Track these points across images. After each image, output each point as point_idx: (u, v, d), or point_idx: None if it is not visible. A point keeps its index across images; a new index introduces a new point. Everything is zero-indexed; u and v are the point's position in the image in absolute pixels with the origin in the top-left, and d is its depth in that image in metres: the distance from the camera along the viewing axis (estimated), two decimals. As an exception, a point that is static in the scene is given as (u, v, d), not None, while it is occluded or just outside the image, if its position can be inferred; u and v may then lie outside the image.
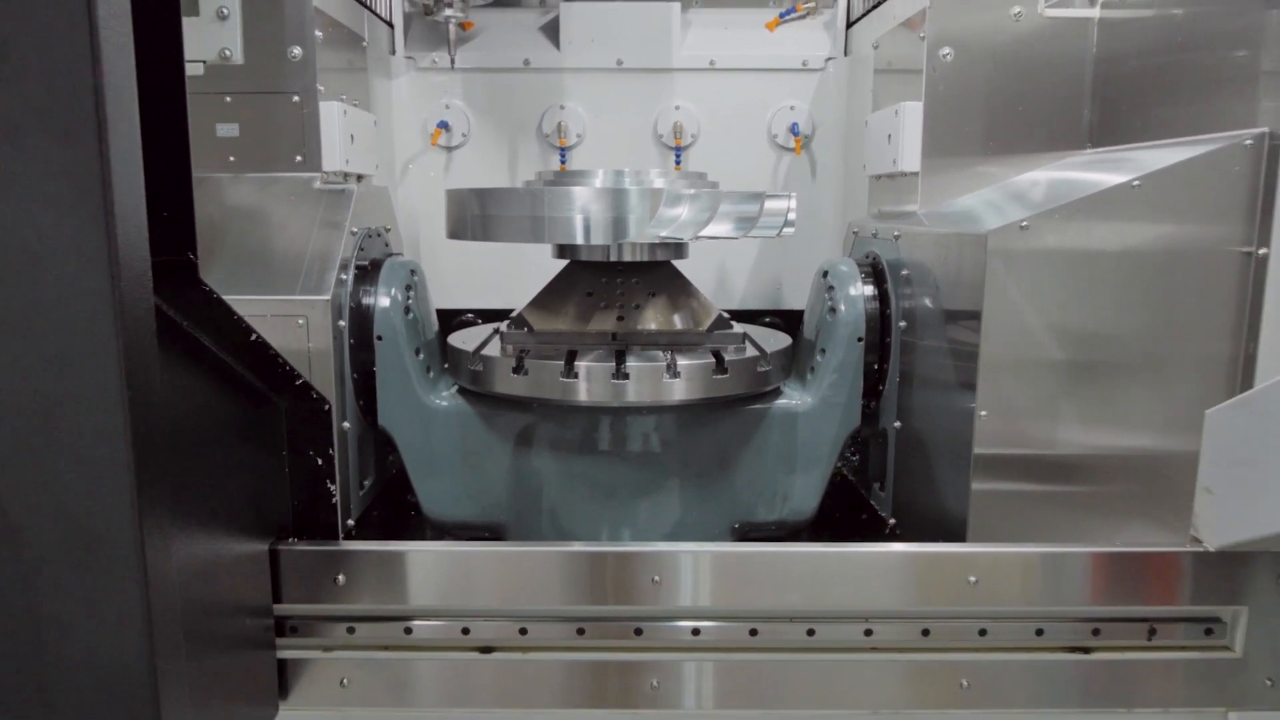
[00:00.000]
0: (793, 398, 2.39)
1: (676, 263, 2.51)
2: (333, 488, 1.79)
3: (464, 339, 2.49)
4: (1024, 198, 2.16)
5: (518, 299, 2.53)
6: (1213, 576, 1.80)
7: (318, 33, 2.38)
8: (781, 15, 3.33)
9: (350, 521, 2.34)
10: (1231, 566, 1.79)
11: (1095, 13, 2.31)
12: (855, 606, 1.83)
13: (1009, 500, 2.02)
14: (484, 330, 2.63)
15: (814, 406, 2.37)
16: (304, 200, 2.33)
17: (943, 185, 2.37)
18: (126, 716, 1.14)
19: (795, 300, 3.35)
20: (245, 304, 1.62)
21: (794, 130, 3.32)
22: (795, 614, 1.84)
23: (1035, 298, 1.94)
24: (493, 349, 2.32)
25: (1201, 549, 1.79)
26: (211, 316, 1.45)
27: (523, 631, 1.85)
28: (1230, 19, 1.92)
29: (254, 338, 1.56)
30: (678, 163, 3.35)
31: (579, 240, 2.12)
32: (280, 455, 1.75)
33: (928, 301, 2.23)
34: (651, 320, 2.38)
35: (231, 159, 2.39)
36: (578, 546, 1.86)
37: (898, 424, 2.42)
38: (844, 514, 2.66)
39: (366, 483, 2.49)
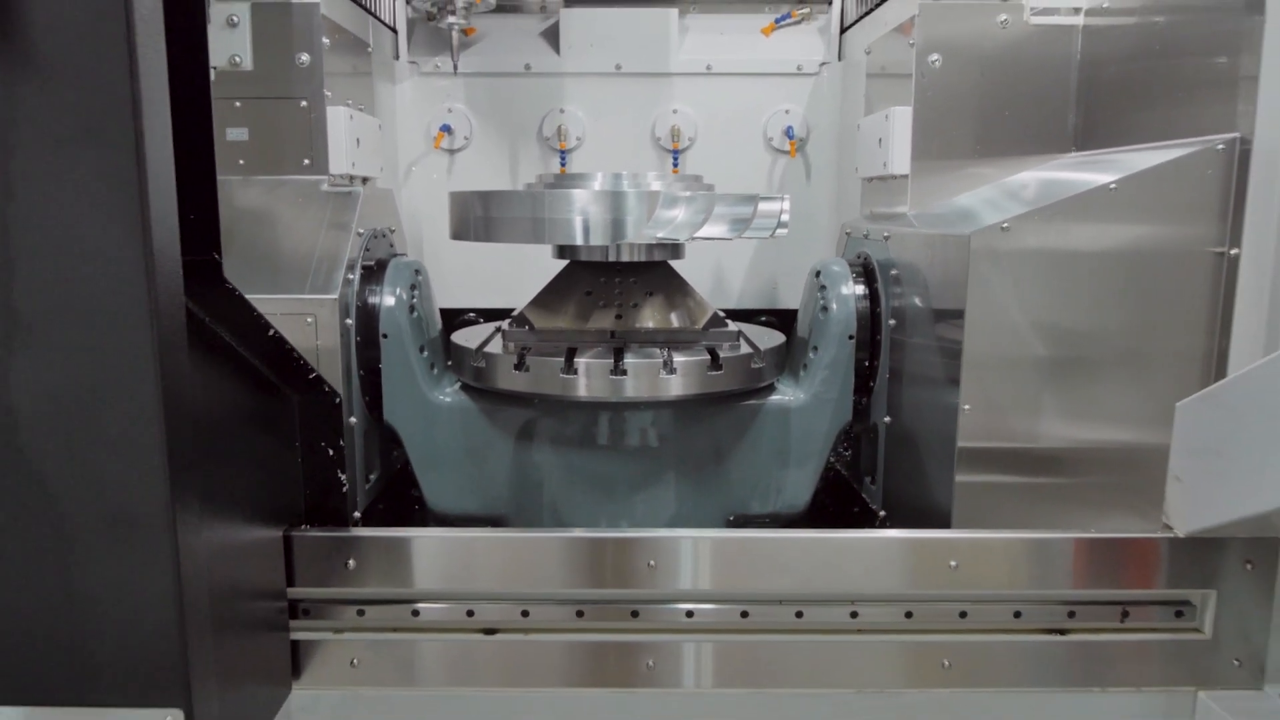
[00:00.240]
0: (786, 394, 2.45)
1: (673, 263, 2.57)
2: (343, 477, 1.86)
3: (467, 337, 2.54)
4: (1008, 200, 2.22)
5: (519, 298, 2.59)
6: (1183, 562, 1.87)
7: (325, 40, 2.44)
8: (777, 21, 3.40)
9: (357, 514, 2.40)
10: (1201, 552, 1.86)
11: (1079, 20, 2.36)
12: (841, 590, 1.90)
13: (992, 492, 2.08)
14: (486, 329, 2.68)
15: (807, 402, 2.43)
16: (312, 202, 2.39)
17: (932, 187, 2.42)
18: (158, 690, 1.21)
19: (791, 300, 3.40)
20: (256, 303, 1.67)
21: (789, 133, 3.38)
22: (784, 597, 1.91)
23: (1017, 296, 2.00)
24: (495, 346, 2.38)
25: (1172, 535, 1.87)
26: (233, 313, 1.52)
27: (524, 614, 1.92)
28: (1205, 27, 1.98)
29: (271, 333, 1.63)
30: (675, 165, 3.41)
31: (578, 241, 2.18)
32: (293, 446, 1.83)
33: (916, 300, 2.29)
34: (649, 318, 2.44)
35: (241, 162, 2.45)
36: (577, 532, 1.94)
37: (888, 419, 2.48)
38: (836, 507, 2.72)
39: (372, 476, 2.54)
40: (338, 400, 1.84)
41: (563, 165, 3.40)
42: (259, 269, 2.25)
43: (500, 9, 3.34)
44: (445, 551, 1.91)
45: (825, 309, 2.46)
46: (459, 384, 2.46)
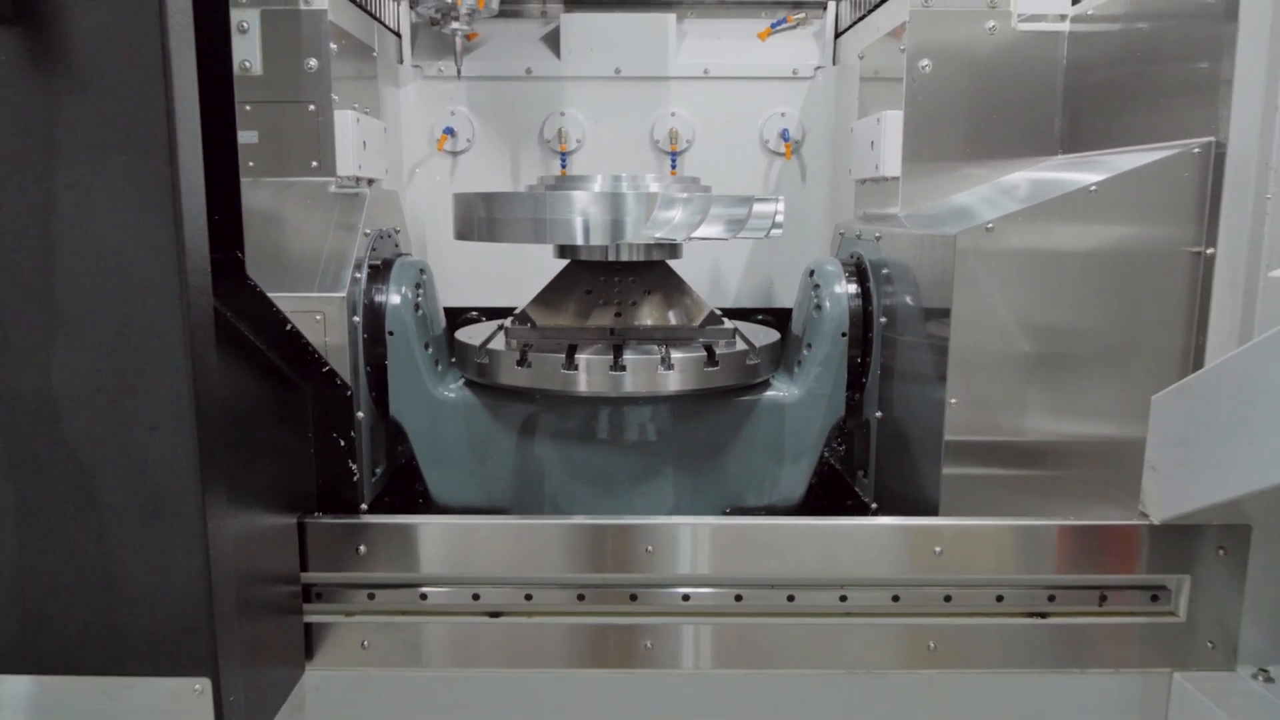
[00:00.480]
0: (781, 390, 2.50)
1: (671, 262, 2.62)
2: (353, 466, 1.93)
3: (470, 334, 2.58)
4: (994, 201, 2.26)
5: (521, 297, 2.63)
6: (1159, 548, 1.94)
7: (332, 45, 2.48)
8: (773, 26, 3.44)
9: (364, 506, 2.44)
10: (1176, 539, 1.93)
11: (1065, 26, 2.41)
12: (831, 575, 1.97)
13: (978, 484, 2.14)
14: (489, 326, 2.73)
15: (800, 398, 2.47)
16: (319, 203, 2.43)
17: (922, 189, 2.46)
18: (189, 661, 1.29)
19: (786, 299, 3.40)
20: (266, 301, 1.74)
21: (785, 136, 3.43)
22: (777, 581, 1.98)
23: (1001, 294, 2.06)
24: (498, 343, 2.42)
25: (1149, 522, 1.93)
26: (253, 308, 1.59)
27: (528, 597, 1.99)
28: (1183, 33, 2.03)
29: (289, 328, 1.70)
30: (673, 167, 3.46)
31: (579, 241, 2.22)
32: (306, 436, 1.90)
33: (906, 298, 2.34)
34: (647, 316, 2.49)
35: (251, 164, 2.48)
36: (578, 519, 2.00)
37: (879, 414, 2.53)
38: (830, 500, 2.77)
39: (378, 470, 2.59)
40: (349, 393, 1.91)
41: (563, 167, 3.44)
42: (269, 268, 2.26)
43: (502, 14, 3.38)
44: (452, 538, 1.97)
45: (819, 307, 2.50)
46: (463, 380, 2.51)
